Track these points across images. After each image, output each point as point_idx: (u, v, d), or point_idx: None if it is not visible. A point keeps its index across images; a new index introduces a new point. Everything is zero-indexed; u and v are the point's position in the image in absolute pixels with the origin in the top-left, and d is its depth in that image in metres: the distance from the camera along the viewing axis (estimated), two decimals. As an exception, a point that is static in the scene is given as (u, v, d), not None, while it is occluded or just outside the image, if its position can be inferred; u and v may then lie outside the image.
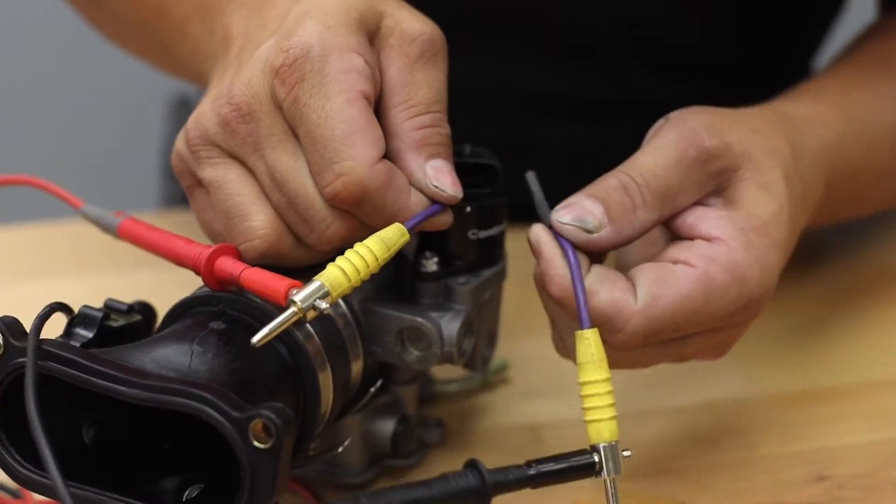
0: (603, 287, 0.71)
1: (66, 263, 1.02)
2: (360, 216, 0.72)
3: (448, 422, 0.84)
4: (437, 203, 0.73)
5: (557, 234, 0.72)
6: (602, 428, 0.69)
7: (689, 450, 0.83)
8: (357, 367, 0.75)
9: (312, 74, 0.71)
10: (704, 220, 0.75)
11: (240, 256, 0.73)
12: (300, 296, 0.67)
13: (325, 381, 0.72)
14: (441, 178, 0.73)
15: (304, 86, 0.71)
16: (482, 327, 0.78)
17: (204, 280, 0.72)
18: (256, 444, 0.62)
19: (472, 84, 1.04)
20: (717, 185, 0.76)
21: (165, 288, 0.78)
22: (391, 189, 0.71)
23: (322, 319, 0.72)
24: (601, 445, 0.69)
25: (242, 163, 0.73)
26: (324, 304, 0.67)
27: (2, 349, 0.65)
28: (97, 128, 2.18)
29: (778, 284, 0.74)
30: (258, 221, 0.73)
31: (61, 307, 0.70)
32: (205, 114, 0.74)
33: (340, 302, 0.75)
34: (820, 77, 0.95)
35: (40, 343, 0.65)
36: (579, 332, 0.70)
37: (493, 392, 0.88)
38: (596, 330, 0.70)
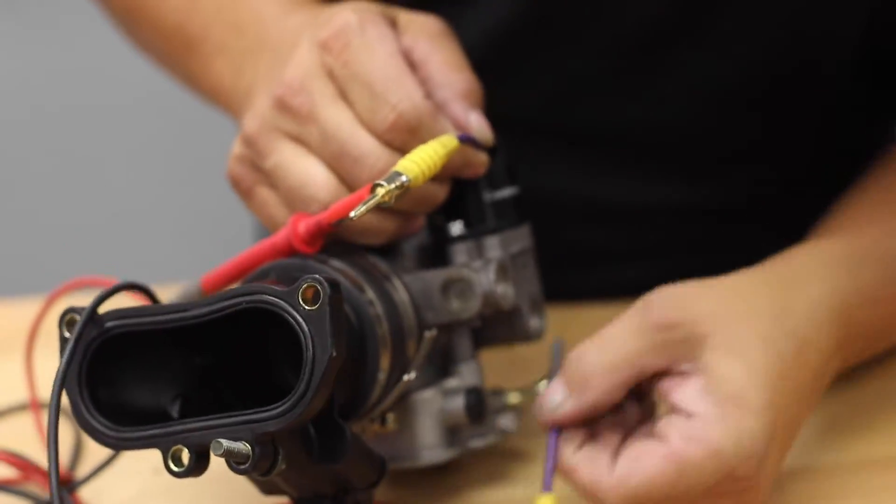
0: (583, 464, 0.77)
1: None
2: (410, 149, 0.76)
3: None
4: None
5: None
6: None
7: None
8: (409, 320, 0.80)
9: (356, 39, 0.79)
10: (676, 388, 0.77)
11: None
12: (384, 179, 0.74)
13: (382, 332, 0.77)
14: (482, 125, 0.82)
15: (350, 49, 0.79)
16: (521, 286, 0.83)
17: (298, 248, 0.77)
18: (307, 308, 0.68)
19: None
20: (685, 352, 0.77)
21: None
22: (439, 120, 0.79)
23: (384, 294, 0.78)
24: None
25: (298, 140, 0.79)
26: (404, 178, 0.74)
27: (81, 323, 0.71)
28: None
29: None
30: (320, 178, 0.78)
31: (134, 286, 0.73)
32: (258, 106, 0.81)
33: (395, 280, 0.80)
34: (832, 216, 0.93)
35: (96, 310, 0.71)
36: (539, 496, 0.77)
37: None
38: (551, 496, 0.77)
